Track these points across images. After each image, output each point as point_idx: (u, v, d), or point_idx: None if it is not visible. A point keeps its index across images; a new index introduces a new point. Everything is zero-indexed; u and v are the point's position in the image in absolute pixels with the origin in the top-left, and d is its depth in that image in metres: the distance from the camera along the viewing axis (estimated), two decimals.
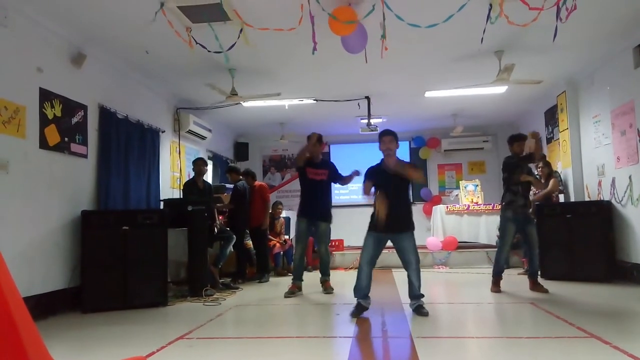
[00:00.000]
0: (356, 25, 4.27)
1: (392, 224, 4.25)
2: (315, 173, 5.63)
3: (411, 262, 4.32)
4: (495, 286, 5.52)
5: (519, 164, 5.52)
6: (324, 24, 4.25)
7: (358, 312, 4.33)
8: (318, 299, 5.50)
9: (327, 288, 5.77)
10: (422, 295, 4.38)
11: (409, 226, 4.39)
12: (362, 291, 4.38)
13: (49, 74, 4.74)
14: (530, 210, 6.93)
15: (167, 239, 5.23)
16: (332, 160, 11.38)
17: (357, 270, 4.48)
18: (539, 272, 6.58)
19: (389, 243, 4.47)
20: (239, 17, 4.44)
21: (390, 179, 4.29)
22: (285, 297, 5.46)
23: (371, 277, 4.40)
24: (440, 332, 3.84)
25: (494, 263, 5.60)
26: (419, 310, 4.28)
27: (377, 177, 4.39)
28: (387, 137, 4.39)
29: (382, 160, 4.45)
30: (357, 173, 5.61)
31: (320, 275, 5.90)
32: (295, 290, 5.61)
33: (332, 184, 5.92)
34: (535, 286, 5.46)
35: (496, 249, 5.77)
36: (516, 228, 5.51)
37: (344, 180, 5.85)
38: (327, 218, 5.74)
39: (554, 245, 6.27)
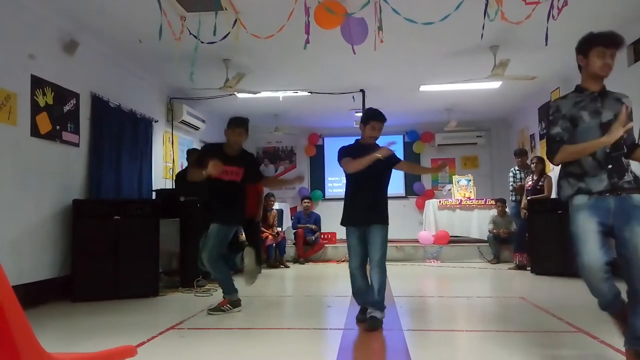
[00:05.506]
0: (342, 19, 4.23)
1: (369, 214, 3.67)
2: (224, 171, 4.16)
3: (374, 258, 3.63)
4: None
5: None
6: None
7: (364, 315, 3.70)
8: (309, 291, 5.50)
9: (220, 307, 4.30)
10: (383, 307, 3.66)
11: (384, 219, 3.70)
12: (363, 295, 3.75)
13: (41, 61, 4.69)
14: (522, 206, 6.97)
15: (159, 229, 5.21)
16: (325, 153, 11.45)
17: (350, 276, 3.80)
18: (529, 267, 6.67)
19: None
20: (233, 7, 4.41)
21: (372, 166, 3.60)
22: (208, 313, 4.26)
23: (367, 278, 3.75)
24: (430, 325, 3.87)
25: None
26: (372, 320, 3.56)
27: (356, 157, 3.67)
28: (380, 125, 3.71)
29: (357, 141, 3.85)
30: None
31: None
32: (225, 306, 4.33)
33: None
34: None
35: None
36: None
37: (268, 183, 4.73)
38: (224, 218, 4.45)
39: (545, 241, 6.32)
